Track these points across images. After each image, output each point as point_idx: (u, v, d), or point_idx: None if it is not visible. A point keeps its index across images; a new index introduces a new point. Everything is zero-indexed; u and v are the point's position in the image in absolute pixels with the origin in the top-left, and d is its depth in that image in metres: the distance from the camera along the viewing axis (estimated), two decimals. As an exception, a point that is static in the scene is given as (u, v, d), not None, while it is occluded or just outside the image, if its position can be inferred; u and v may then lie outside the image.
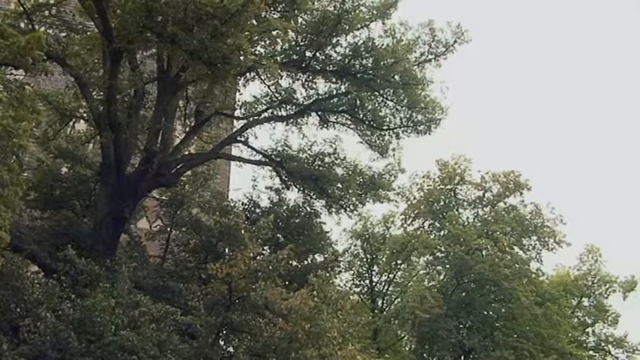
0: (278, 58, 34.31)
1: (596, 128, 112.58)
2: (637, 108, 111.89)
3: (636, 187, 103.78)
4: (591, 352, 57.70)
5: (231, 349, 31.96)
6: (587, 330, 59.38)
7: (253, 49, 30.26)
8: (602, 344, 58.59)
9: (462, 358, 51.13)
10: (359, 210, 41.91)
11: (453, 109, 38.75)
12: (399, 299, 51.73)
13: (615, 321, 58.69)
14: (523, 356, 48.35)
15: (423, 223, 53.35)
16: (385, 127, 39.23)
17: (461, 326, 50.72)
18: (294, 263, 36.85)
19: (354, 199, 39.79)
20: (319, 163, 39.01)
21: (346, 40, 36.84)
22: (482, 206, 53.60)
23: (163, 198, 37.48)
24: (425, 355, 51.47)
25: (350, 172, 39.17)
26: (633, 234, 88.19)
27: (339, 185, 39.20)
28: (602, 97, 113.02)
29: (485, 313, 51.46)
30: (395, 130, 39.29)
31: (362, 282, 52.40)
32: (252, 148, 38.71)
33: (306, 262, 40.14)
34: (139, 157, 33.58)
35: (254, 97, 38.34)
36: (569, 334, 54.06)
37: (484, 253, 49.91)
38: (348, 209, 40.28)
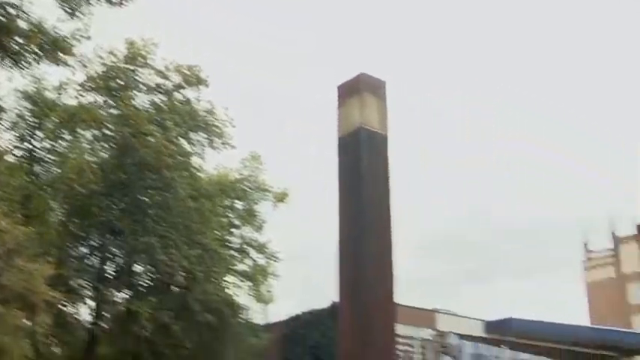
0: None
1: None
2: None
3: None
4: (233, 252, 59.70)
5: None
6: (232, 231, 61.40)
7: None
8: (245, 246, 61.10)
9: (110, 237, 51.10)
10: (34, 70, 40.25)
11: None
12: (58, 169, 50.42)
13: (261, 227, 61.66)
14: (168, 245, 48.88)
15: (97, 97, 52.16)
16: (84, -11, 37.82)
17: (114, 207, 50.55)
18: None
19: (31, 56, 38.25)
20: (2, 12, 36.99)
21: None
22: (159, 94, 53.26)
23: None
24: (72, 229, 50.59)
25: (33, 29, 37.50)
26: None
27: (18, 39, 37.46)
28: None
29: (141, 198, 51.38)
30: (93, -6, 38.01)
31: (23, 145, 50.56)
32: None
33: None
34: None
35: None
36: (217, 232, 55.71)
37: (151, 139, 49.47)
38: (22, 66, 38.64)
